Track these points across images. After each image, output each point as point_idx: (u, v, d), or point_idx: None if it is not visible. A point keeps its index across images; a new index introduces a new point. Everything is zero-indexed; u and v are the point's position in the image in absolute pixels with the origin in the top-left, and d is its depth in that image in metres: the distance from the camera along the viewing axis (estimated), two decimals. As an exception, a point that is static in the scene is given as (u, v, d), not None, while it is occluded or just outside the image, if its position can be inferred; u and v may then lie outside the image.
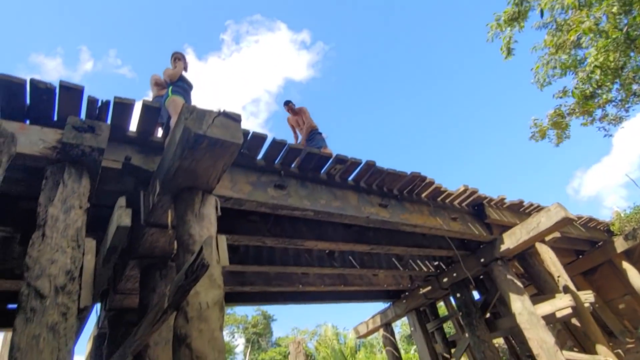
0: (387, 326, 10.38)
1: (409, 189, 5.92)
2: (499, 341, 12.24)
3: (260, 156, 4.54)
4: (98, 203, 3.86)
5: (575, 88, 8.25)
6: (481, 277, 7.95)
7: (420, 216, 5.89)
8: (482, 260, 7.22)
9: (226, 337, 30.63)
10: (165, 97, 4.24)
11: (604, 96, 8.58)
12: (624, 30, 7.70)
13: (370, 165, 5.22)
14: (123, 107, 3.58)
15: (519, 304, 6.51)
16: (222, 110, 2.89)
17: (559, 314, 7.00)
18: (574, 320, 7.76)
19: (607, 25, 7.98)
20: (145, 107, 3.70)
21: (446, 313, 10.74)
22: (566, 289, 7.47)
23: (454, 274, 7.93)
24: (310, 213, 4.68)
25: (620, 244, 10.48)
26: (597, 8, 8.15)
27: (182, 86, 4.45)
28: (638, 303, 10.76)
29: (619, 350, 8.91)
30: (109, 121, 3.66)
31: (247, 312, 34.97)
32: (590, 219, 10.19)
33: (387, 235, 6.20)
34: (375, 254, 7.22)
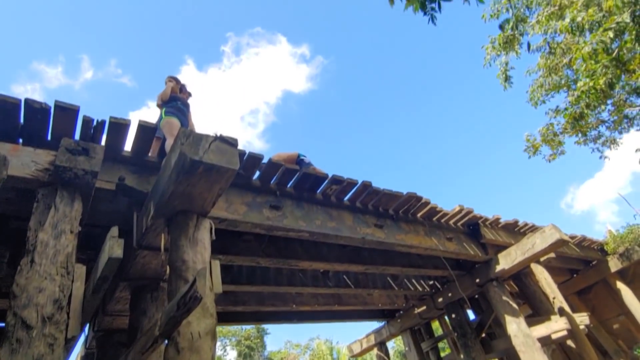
0: (382, 345, 10.24)
1: (404, 209, 5.91)
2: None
3: (256, 176, 4.52)
4: (89, 222, 3.79)
5: (566, 109, 8.36)
6: (476, 296, 7.90)
7: (415, 236, 5.86)
8: (477, 280, 7.18)
9: (218, 350, 30.06)
10: (160, 119, 4.21)
11: (595, 117, 8.71)
12: (615, 53, 7.86)
13: (366, 185, 5.20)
14: (118, 127, 3.55)
15: (515, 326, 6.46)
16: (218, 135, 2.87)
17: (554, 336, 6.95)
18: (569, 342, 7.71)
19: (600, 49, 8.14)
20: (141, 127, 3.67)
21: (441, 332, 10.64)
22: (561, 311, 7.43)
23: (449, 294, 7.88)
24: (306, 234, 4.64)
25: (614, 264, 10.50)
26: (594, 34, 8.32)
27: (175, 106, 4.41)
28: (632, 323, 10.74)
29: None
30: (103, 141, 3.62)
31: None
32: (584, 239, 10.22)
33: (382, 255, 6.15)
34: (370, 273, 7.15)
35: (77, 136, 3.54)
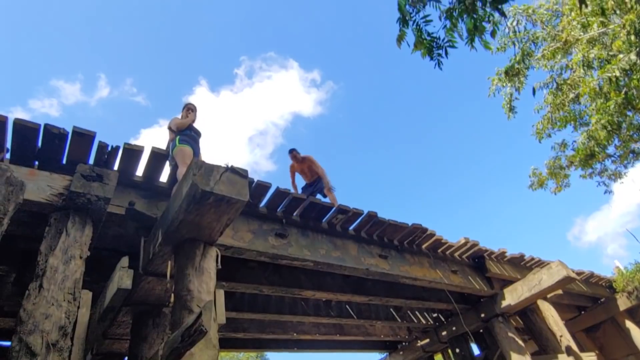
0: (383, 378, 9.95)
1: (409, 240, 5.89)
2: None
3: (262, 204, 4.56)
4: (96, 245, 3.83)
5: (582, 143, 8.35)
6: (481, 331, 7.73)
7: (420, 268, 5.82)
8: (482, 315, 7.05)
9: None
10: (173, 146, 4.30)
11: (602, 153, 8.74)
12: (623, 92, 7.97)
13: (371, 216, 5.22)
14: (132, 153, 3.63)
15: (521, 365, 6.29)
16: (229, 166, 2.94)
17: (561, 377, 6.73)
18: (577, 383, 7.45)
19: (606, 86, 8.26)
20: (154, 153, 3.76)
21: (444, 366, 10.34)
22: (569, 350, 7.23)
23: (453, 328, 7.72)
24: (310, 264, 4.63)
25: (622, 302, 10.26)
26: (601, 70, 8.48)
27: (189, 134, 4.51)
28: (642, 365, 10.38)
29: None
30: (116, 166, 3.70)
31: (236, 350, 33.63)
32: (592, 275, 10.04)
33: (386, 287, 6.09)
34: (373, 304, 7.05)
35: (91, 160, 3.63)
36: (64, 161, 3.53)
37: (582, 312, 11.31)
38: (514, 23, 10.30)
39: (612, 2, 8.54)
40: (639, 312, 10.41)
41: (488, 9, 2.27)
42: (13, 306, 4.43)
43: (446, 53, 2.52)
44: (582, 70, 8.67)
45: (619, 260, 11.93)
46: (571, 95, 9.31)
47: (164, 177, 4.14)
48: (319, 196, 6.51)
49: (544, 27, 10.38)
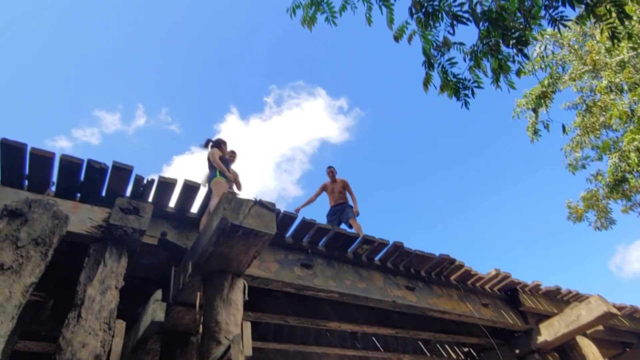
0: (411, 415, 9.50)
1: (437, 271, 5.76)
2: None
3: (288, 234, 4.62)
4: (129, 274, 3.97)
5: (614, 164, 8.04)
6: (516, 368, 7.32)
7: (449, 301, 5.65)
8: (517, 351, 6.70)
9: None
10: (213, 175, 4.55)
11: (633, 181, 8.36)
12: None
13: (397, 246, 5.17)
14: (166, 185, 3.81)
15: (560, 408, 5.89)
16: (258, 200, 3.03)
17: (607, 423, 6.24)
18: None
19: (639, 111, 8.03)
20: (186, 185, 3.92)
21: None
22: (614, 392, 6.72)
23: (486, 364, 7.34)
24: (336, 295, 4.60)
25: (672, 340, 9.50)
26: (632, 93, 8.27)
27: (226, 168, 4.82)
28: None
29: None
30: (151, 197, 3.88)
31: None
32: (635, 310, 9.39)
33: (413, 319, 5.93)
34: (400, 337, 6.85)
35: (128, 192, 3.83)
36: (104, 193, 3.74)
37: (627, 350, 10.52)
38: (542, 48, 10.30)
39: (639, 26, 8.40)
40: (691, 352, 9.58)
41: (512, 50, 2.32)
42: (50, 331, 4.61)
43: (472, 93, 2.56)
44: (610, 95, 8.48)
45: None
46: (602, 119, 9.07)
47: (194, 207, 4.30)
48: (343, 226, 6.52)
49: (571, 49, 10.28)
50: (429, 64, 2.53)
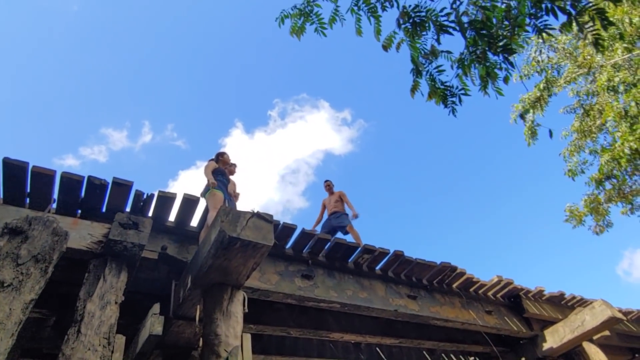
0: None
1: (439, 279, 5.74)
2: None
3: (288, 245, 4.63)
4: (129, 289, 3.99)
5: (606, 162, 8.05)
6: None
7: (451, 309, 5.62)
8: (522, 359, 6.62)
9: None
10: (207, 190, 4.56)
11: (620, 177, 8.34)
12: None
13: (398, 255, 5.16)
14: (165, 200, 3.85)
15: (569, 416, 5.80)
16: (255, 212, 3.06)
17: None
18: None
19: (633, 110, 8.06)
20: (185, 199, 3.96)
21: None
22: (623, 399, 6.61)
23: (492, 373, 7.25)
24: (337, 305, 4.59)
25: (682, 344, 9.35)
26: (627, 94, 8.33)
27: (221, 180, 4.80)
28: None
29: None
30: (151, 212, 3.92)
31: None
32: (643, 314, 9.28)
33: (416, 328, 5.89)
34: (404, 346, 6.79)
35: (128, 207, 3.87)
36: (104, 209, 3.78)
37: (636, 355, 10.36)
38: (537, 52, 10.42)
39: (631, 28, 8.50)
40: (702, 356, 9.43)
41: (499, 59, 2.37)
42: (51, 349, 4.61)
43: (460, 101, 2.60)
44: (606, 95, 8.54)
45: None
46: (598, 122, 9.11)
47: (194, 221, 4.33)
48: (340, 235, 6.62)
49: (566, 53, 10.39)
50: (416, 72, 2.59)
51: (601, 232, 8.23)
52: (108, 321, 2.76)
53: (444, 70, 2.61)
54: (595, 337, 7.32)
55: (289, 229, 4.41)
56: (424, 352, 7.07)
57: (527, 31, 2.41)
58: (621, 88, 8.91)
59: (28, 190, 3.50)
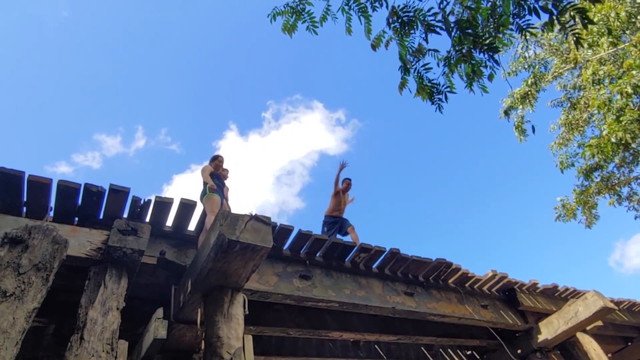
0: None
1: (435, 275, 5.83)
2: None
3: (286, 246, 4.68)
4: (128, 295, 4.00)
5: (591, 153, 8.20)
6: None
7: (448, 305, 5.70)
8: (518, 351, 6.73)
9: None
10: (203, 194, 4.58)
11: (619, 172, 8.52)
12: (636, 107, 7.93)
13: (394, 253, 5.24)
14: (163, 205, 3.87)
15: (565, 405, 5.91)
16: (253, 214, 3.11)
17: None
18: None
19: (619, 101, 8.22)
20: (183, 204, 3.99)
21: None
22: (617, 387, 6.75)
23: (489, 366, 7.36)
24: (335, 304, 4.65)
25: (673, 332, 9.57)
26: (612, 85, 8.51)
27: (218, 184, 4.83)
28: None
29: None
30: (148, 217, 3.94)
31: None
32: (634, 303, 9.46)
33: (414, 325, 5.97)
34: (402, 343, 6.87)
35: (125, 213, 3.88)
36: (101, 216, 3.79)
37: (629, 344, 10.57)
38: (523, 49, 10.60)
39: (618, 23, 8.68)
40: (693, 342, 9.65)
41: (485, 57, 2.45)
42: (51, 357, 4.61)
43: (446, 98, 2.68)
44: (592, 89, 8.72)
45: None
46: (585, 115, 9.29)
47: (191, 225, 4.35)
48: (338, 236, 6.70)
49: (552, 48, 10.57)
50: (404, 69, 2.66)
51: (590, 225, 8.39)
52: (110, 327, 2.79)
53: (430, 68, 2.69)
54: (588, 328, 7.47)
55: (286, 230, 4.46)
56: (422, 348, 7.16)
57: (512, 29, 2.49)
58: (607, 81, 9.10)
59: (25, 199, 3.50)
